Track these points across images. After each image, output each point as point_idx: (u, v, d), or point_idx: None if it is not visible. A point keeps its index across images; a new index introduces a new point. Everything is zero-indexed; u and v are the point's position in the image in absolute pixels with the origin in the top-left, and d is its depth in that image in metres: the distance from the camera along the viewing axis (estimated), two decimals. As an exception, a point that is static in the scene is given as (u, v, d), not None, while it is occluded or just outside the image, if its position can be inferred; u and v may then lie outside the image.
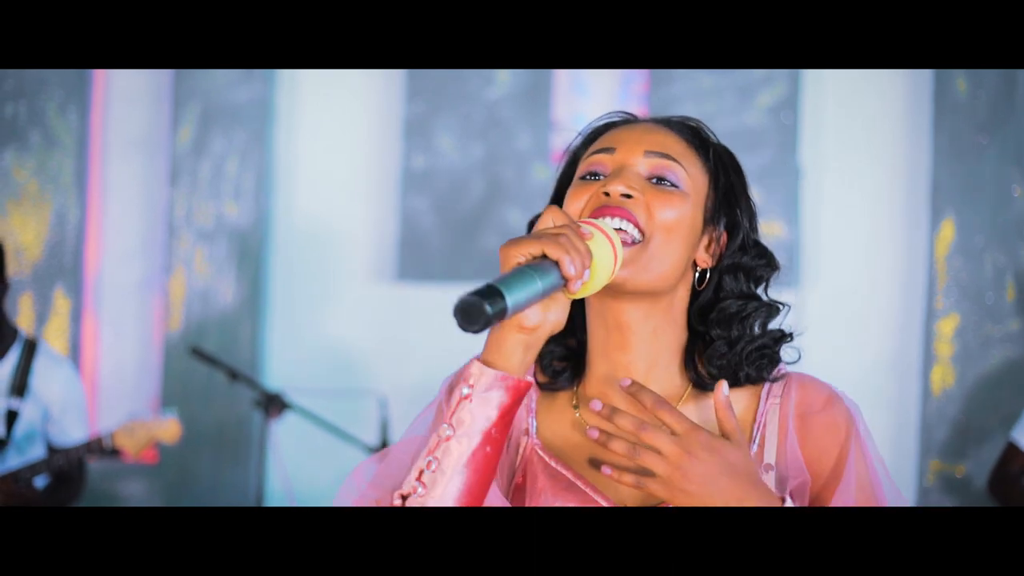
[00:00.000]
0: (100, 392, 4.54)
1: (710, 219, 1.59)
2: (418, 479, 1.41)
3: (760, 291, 1.62)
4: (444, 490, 1.41)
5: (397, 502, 1.42)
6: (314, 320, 4.51)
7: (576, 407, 1.61)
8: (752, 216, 1.63)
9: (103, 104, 4.57)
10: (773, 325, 1.61)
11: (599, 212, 1.52)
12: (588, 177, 1.57)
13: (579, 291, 1.41)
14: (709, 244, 1.60)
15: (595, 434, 1.45)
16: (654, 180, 1.55)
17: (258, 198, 4.47)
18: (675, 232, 1.54)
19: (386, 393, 4.18)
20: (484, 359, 1.43)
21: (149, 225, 4.56)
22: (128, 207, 4.57)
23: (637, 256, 1.51)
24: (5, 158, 4.51)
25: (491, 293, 1.31)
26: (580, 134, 1.65)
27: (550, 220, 1.44)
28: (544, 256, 1.38)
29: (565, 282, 1.39)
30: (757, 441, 1.58)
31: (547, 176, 4.30)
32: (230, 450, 4.36)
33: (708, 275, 1.60)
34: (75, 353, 4.50)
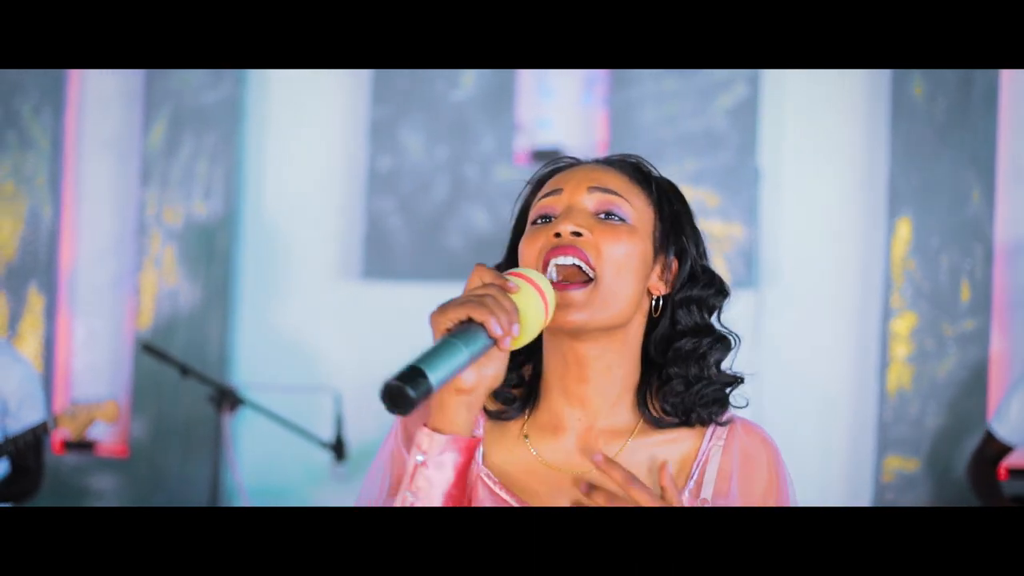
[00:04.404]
0: (73, 389, 4.61)
1: (660, 248, 1.62)
2: None
3: (714, 318, 1.65)
4: None
5: None
6: (282, 317, 4.57)
7: (527, 437, 1.63)
8: (699, 243, 1.66)
9: (77, 106, 4.65)
10: (727, 360, 1.64)
11: (552, 253, 1.55)
12: (539, 221, 1.61)
13: (512, 345, 1.44)
14: (662, 272, 1.63)
15: (599, 459, 1.49)
16: (602, 216, 1.59)
17: (227, 197, 4.54)
18: (625, 267, 1.57)
19: (345, 390, 4.25)
20: (431, 425, 1.47)
21: (121, 224, 4.63)
22: (101, 207, 4.65)
23: (591, 297, 1.55)
24: (-19, 159, 4.60)
25: (414, 375, 1.34)
26: (528, 182, 1.69)
27: (477, 280, 1.48)
28: (471, 319, 1.42)
29: (494, 341, 1.42)
30: (695, 478, 1.61)
31: (510, 177, 4.35)
32: (199, 445, 4.42)
33: (663, 302, 1.63)
34: (49, 349, 4.57)
